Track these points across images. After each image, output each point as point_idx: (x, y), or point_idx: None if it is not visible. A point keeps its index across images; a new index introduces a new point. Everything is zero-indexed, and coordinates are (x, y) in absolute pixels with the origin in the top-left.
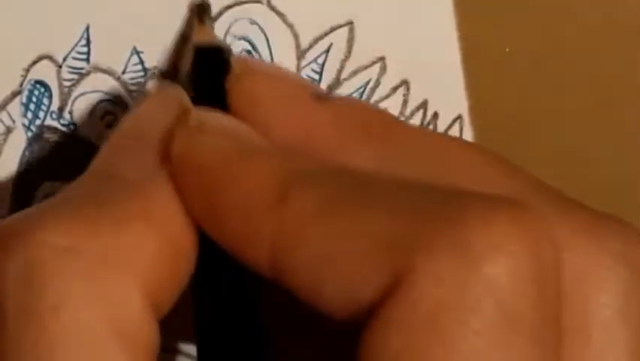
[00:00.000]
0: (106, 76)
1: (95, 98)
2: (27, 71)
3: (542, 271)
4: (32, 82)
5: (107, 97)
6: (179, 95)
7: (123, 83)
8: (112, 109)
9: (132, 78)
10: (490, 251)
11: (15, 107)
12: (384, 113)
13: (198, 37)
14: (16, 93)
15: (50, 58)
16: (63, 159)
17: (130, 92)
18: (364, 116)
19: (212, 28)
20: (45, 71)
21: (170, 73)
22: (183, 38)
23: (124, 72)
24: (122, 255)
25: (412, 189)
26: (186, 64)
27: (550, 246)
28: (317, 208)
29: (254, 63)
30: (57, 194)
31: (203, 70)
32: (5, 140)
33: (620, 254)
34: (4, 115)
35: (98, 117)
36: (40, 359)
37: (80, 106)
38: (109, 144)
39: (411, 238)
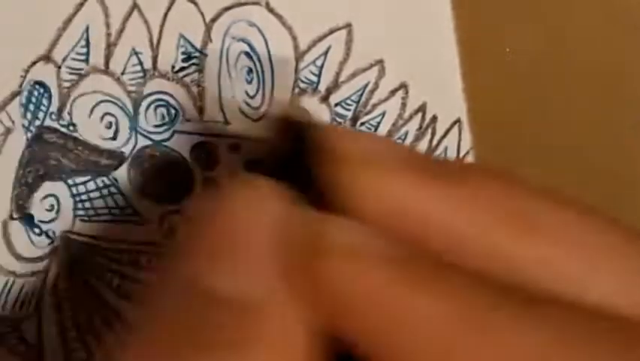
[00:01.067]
0: (105, 77)
1: (94, 99)
2: (26, 71)
3: None
4: (32, 83)
5: (106, 98)
6: (275, 189)
7: (122, 84)
8: (111, 110)
9: (131, 79)
10: None
11: (14, 108)
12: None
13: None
14: (15, 94)
15: (49, 59)
16: (63, 159)
17: (129, 92)
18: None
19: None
20: (44, 72)
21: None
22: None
23: (123, 73)
24: None
25: None
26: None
27: None
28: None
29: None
30: (138, 320)
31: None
32: (5, 140)
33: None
34: (3, 116)
35: (97, 118)
36: None
37: (80, 107)
38: (191, 249)
39: None
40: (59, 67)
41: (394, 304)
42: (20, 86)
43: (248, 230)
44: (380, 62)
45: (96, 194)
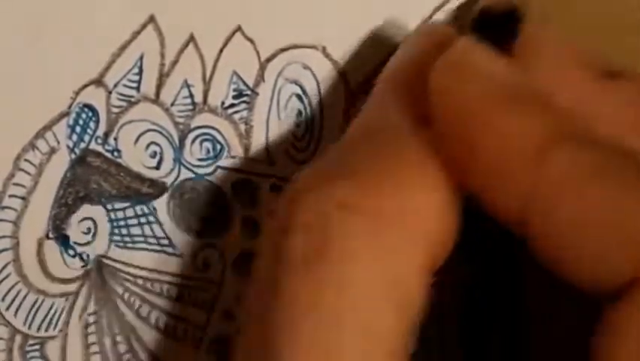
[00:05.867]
0: (154, 106)
1: (141, 127)
2: (77, 93)
3: None
4: (81, 105)
5: (153, 127)
6: (446, 29)
7: (171, 115)
8: (157, 139)
9: (180, 111)
10: None
11: (61, 129)
12: None
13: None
14: (63, 115)
15: (101, 83)
16: (104, 184)
17: (176, 124)
18: None
19: None
20: (95, 96)
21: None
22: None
23: (173, 104)
24: (404, 217)
25: None
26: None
27: None
28: (577, 173)
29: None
30: (331, 151)
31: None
32: (48, 160)
33: None
34: (49, 135)
35: (142, 146)
36: (326, 302)
37: (126, 133)
38: (376, 90)
39: None
40: (110, 92)
41: (484, 112)
42: (69, 107)
43: (408, 65)
44: None
45: (134, 221)
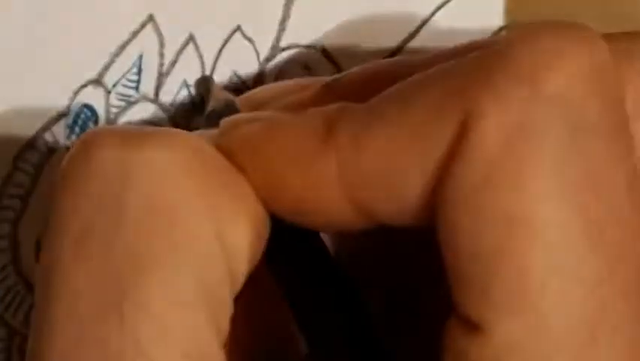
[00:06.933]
0: (153, 106)
1: None
2: (76, 93)
3: (599, 73)
4: (80, 105)
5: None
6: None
7: (170, 115)
8: None
9: (179, 111)
10: (543, 71)
11: (60, 129)
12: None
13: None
14: (62, 115)
15: (100, 83)
16: None
17: (176, 124)
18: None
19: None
20: (94, 96)
21: None
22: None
23: (172, 104)
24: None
25: (447, 67)
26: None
27: (601, 51)
28: (365, 124)
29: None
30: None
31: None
32: (47, 160)
33: None
34: (48, 135)
35: None
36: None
37: None
38: None
39: (463, 91)
40: (109, 92)
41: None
42: (68, 107)
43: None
44: None
45: None
